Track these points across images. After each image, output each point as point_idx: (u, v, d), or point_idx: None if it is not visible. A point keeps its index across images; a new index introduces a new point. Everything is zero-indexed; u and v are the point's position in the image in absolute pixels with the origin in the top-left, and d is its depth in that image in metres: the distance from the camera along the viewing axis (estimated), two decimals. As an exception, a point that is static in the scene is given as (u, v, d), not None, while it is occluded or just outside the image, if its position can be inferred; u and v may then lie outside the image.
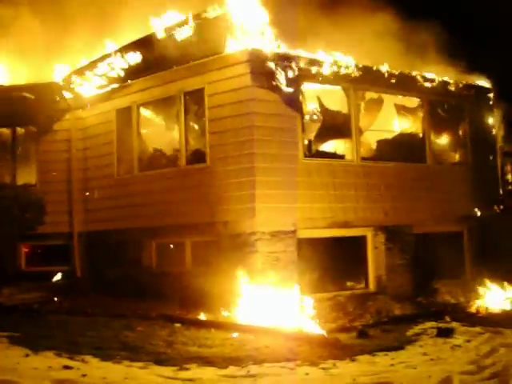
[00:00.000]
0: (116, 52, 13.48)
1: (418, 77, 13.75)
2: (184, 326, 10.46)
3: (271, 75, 11.55)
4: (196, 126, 12.93)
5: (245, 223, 11.41)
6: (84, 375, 7.25)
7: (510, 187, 16.41)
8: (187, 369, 7.80)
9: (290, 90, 11.75)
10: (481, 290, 13.20)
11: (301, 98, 12.09)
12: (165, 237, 13.03)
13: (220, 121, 11.96)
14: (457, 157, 14.99)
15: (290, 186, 11.60)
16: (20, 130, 15.47)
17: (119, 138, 14.08)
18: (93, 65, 14.00)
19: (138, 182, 13.63)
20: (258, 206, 11.31)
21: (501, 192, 15.53)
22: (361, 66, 12.75)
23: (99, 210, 14.39)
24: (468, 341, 9.48)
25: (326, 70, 12.25)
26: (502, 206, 15.08)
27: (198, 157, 12.49)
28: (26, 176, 15.11)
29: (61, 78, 14.68)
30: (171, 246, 13.18)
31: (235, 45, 11.73)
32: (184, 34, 12.13)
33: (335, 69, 12.37)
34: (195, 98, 12.54)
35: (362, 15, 15.13)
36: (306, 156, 12.10)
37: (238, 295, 10.87)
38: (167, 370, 7.73)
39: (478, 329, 10.23)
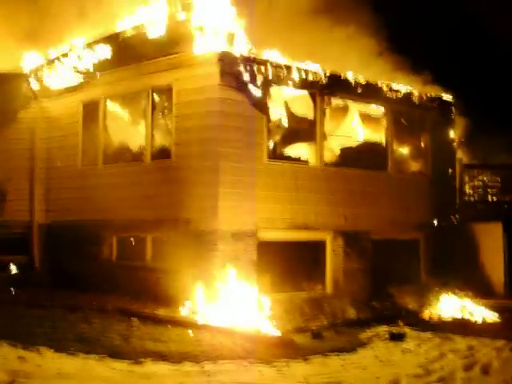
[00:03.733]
0: (86, 45, 13.41)
1: (384, 86, 14.01)
2: (141, 320, 10.48)
3: (240, 76, 11.66)
4: (163, 122, 12.95)
5: (207, 221, 11.50)
6: (39, 366, 7.27)
7: (467, 198, 16.84)
8: (142, 363, 7.89)
9: (258, 92, 11.88)
10: (434, 297, 13.54)
11: (268, 100, 12.21)
12: (126, 231, 13.01)
13: (187, 117, 12.02)
14: (417, 166, 15.31)
15: (253, 187, 11.73)
16: (-18, 117, 15.28)
17: (85, 130, 14.03)
18: (62, 56, 13.91)
19: (102, 174, 13.60)
20: (221, 204, 11.41)
21: (458, 203, 15.96)
22: (328, 73, 12.93)
23: (61, 200, 14.31)
24: (418, 345, 9.79)
25: (294, 75, 12.42)
26: (458, 217, 15.46)
27: (163, 153, 12.52)
28: (-13, 163, 14.94)
29: (29, 67, 14.55)
30: (132, 240, 13.19)
31: (206, 44, 11.80)
32: (156, 31, 12.13)
33: (303, 74, 12.54)
34: (163, 93, 12.59)
35: (334, 24, 15.36)
36: (270, 158, 12.23)
37: (197, 292, 10.97)
38: (122, 364, 7.81)
39: (428, 334, 10.56)
